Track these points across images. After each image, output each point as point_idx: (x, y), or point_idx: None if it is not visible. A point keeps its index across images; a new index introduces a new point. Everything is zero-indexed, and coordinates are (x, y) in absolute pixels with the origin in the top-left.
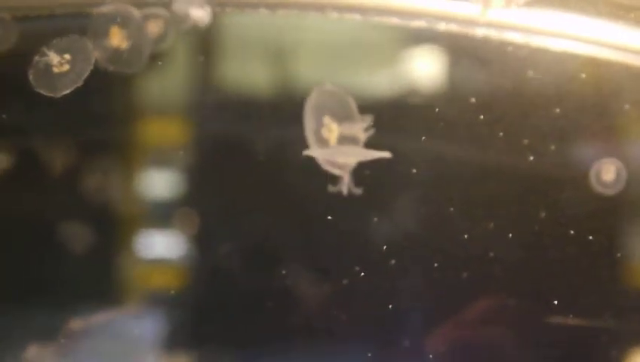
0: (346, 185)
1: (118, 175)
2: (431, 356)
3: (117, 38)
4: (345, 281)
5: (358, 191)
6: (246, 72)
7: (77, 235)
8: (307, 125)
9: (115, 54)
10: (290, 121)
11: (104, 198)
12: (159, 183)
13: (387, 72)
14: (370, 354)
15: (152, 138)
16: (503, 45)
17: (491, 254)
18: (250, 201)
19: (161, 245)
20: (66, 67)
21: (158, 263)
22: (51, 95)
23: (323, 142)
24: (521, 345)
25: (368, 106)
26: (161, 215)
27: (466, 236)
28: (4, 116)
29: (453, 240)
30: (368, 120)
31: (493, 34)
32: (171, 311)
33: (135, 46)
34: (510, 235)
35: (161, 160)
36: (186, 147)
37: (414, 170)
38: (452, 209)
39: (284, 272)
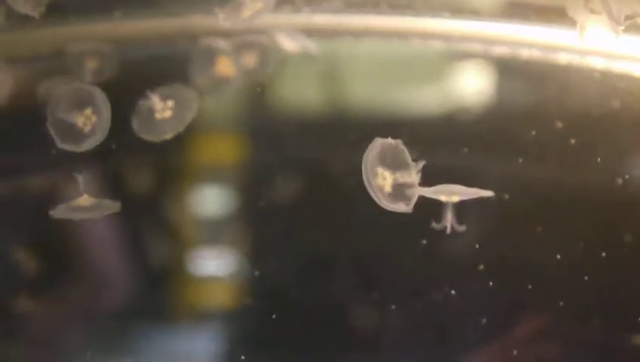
0: (449, 222)
1: (173, 193)
2: None
3: (223, 68)
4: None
5: (461, 228)
6: (301, 92)
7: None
8: (365, 176)
9: (217, 83)
10: (341, 140)
11: (159, 216)
12: (214, 201)
13: (472, 95)
14: None
15: (207, 156)
16: (587, 71)
17: (585, 277)
18: (303, 219)
19: (216, 263)
20: (169, 113)
21: (213, 281)
22: (152, 139)
23: (378, 191)
24: None
25: (460, 132)
26: (216, 233)
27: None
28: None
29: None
30: (420, 165)
31: (576, 59)
32: (225, 328)
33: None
34: (598, 257)
35: (216, 177)
36: (241, 165)
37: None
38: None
39: (338, 289)
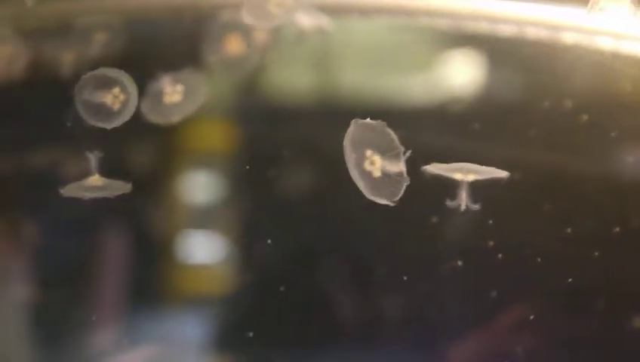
0: (464, 201)
1: (165, 178)
2: None
3: (234, 45)
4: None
5: (475, 206)
6: (292, 78)
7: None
8: (348, 158)
9: (227, 60)
10: (333, 126)
11: (151, 202)
12: (206, 187)
13: (477, 75)
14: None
15: (198, 142)
16: (595, 51)
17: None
18: (295, 206)
19: (206, 249)
20: (178, 97)
21: (203, 267)
22: (159, 122)
23: (366, 175)
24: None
25: (469, 112)
26: (206, 218)
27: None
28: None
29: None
30: (408, 151)
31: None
32: (215, 314)
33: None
34: (609, 235)
35: (207, 163)
36: (232, 151)
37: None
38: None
39: (328, 274)
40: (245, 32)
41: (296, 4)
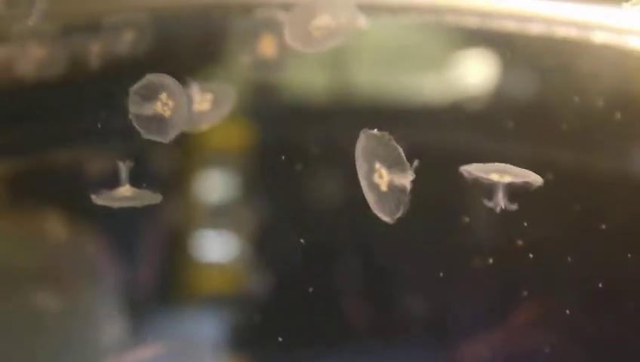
0: (501, 201)
1: (179, 177)
2: None
3: (267, 46)
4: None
5: (512, 207)
6: (307, 78)
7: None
8: (359, 168)
9: (259, 61)
10: (348, 124)
11: (168, 200)
12: (220, 186)
13: (509, 75)
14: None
15: (212, 141)
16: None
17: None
18: (311, 203)
19: (222, 248)
20: (206, 106)
21: (219, 266)
22: (185, 128)
23: (374, 187)
24: None
25: (502, 112)
26: (223, 217)
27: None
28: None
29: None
30: (414, 165)
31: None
32: (229, 313)
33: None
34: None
35: (221, 162)
36: (246, 151)
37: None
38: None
39: (344, 272)
40: (278, 32)
41: (338, 28)
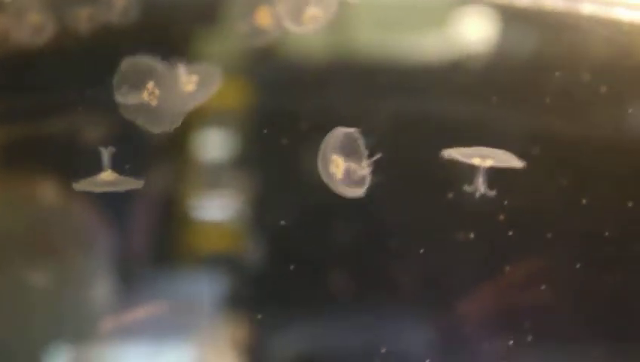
0: (480, 185)
1: (176, 137)
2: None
3: (264, 18)
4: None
5: (492, 193)
6: (305, 38)
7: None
8: (321, 162)
9: (255, 30)
10: (346, 86)
11: (162, 160)
12: (218, 145)
13: (494, 46)
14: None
15: (211, 100)
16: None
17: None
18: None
19: (219, 207)
20: (191, 87)
21: (216, 225)
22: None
23: (330, 176)
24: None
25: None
26: (219, 177)
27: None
28: None
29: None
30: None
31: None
32: (227, 273)
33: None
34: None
35: (219, 122)
36: (246, 111)
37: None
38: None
39: (342, 235)
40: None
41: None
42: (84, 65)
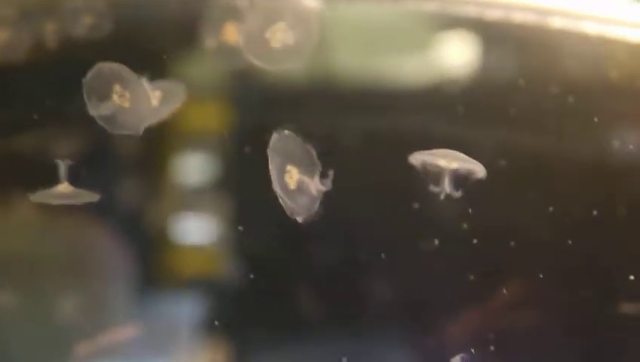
0: (447, 187)
1: (157, 160)
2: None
3: (231, 34)
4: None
5: (457, 194)
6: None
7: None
8: (271, 167)
9: (224, 47)
10: (325, 107)
11: (144, 183)
12: (198, 168)
13: (464, 61)
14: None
15: (191, 123)
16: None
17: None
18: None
19: (199, 231)
20: (155, 103)
21: (196, 249)
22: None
23: (284, 186)
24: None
25: (454, 99)
26: (199, 200)
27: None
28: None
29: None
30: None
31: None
32: (208, 295)
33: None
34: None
35: (199, 144)
36: (225, 132)
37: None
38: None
39: (321, 254)
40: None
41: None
42: (53, 80)
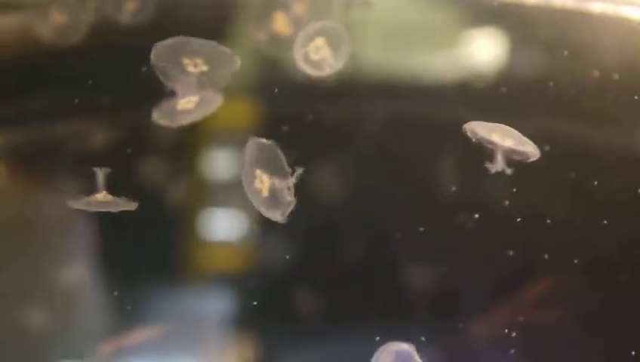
0: (499, 164)
1: (185, 156)
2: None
3: (280, 24)
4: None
5: (508, 170)
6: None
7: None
8: (243, 176)
9: (274, 39)
10: (354, 104)
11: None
12: (226, 164)
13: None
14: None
15: (219, 119)
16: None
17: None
18: (316, 180)
19: (228, 226)
20: (190, 106)
21: (224, 244)
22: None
23: (256, 193)
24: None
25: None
26: (229, 196)
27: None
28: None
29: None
30: (297, 172)
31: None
32: (234, 291)
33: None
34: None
35: (227, 141)
36: (253, 128)
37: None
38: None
39: (347, 252)
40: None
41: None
42: (95, 66)
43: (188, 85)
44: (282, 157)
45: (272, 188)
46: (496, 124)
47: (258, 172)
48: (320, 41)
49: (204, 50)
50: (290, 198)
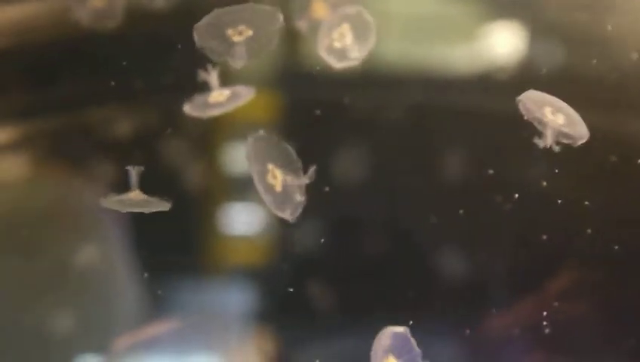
0: (548, 139)
1: (207, 150)
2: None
3: (320, 12)
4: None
5: (556, 148)
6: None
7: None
8: (251, 169)
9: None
10: (374, 97)
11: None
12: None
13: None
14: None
15: (240, 113)
16: None
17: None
18: (336, 174)
19: (248, 220)
20: (222, 99)
21: (245, 239)
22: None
23: (269, 188)
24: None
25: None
26: (250, 190)
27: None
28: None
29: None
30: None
31: None
32: (255, 286)
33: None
34: None
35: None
36: (274, 122)
37: None
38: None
39: (368, 245)
40: None
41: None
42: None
43: (239, 56)
44: (295, 155)
45: (284, 186)
46: (550, 96)
47: (270, 166)
48: (345, 28)
49: (245, 15)
50: (300, 198)
